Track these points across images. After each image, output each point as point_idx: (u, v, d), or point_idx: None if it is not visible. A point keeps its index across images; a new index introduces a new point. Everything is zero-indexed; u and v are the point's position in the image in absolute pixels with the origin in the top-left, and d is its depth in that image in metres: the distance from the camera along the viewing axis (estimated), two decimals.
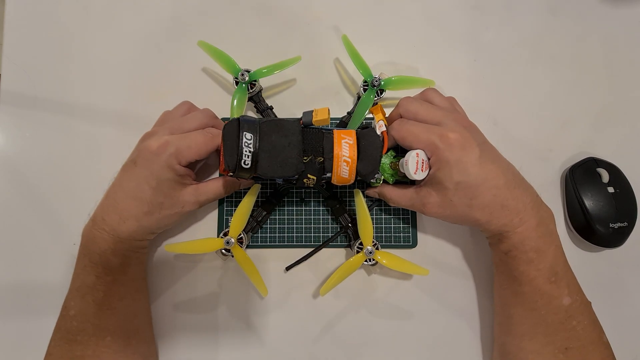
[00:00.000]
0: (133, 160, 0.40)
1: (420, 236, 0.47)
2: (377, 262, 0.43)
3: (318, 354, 0.45)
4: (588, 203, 0.45)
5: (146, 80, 0.50)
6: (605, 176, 0.45)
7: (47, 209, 0.47)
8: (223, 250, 0.43)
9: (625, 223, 0.44)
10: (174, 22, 0.52)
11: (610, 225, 0.44)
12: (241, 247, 0.43)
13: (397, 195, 0.42)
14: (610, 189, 0.45)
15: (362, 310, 0.46)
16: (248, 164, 0.36)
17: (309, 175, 0.38)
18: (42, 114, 0.49)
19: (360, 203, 0.42)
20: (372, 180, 0.41)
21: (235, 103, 0.45)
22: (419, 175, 0.38)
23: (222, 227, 0.47)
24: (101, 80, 0.50)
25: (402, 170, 0.40)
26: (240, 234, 0.43)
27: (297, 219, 0.47)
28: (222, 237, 0.42)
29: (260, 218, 0.45)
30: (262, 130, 0.37)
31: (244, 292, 0.46)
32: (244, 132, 0.36)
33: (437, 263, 0.46)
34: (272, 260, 0.47)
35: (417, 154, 0.38)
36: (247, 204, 0.42)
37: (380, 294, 0.46)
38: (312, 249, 0.46)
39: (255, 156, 0.36)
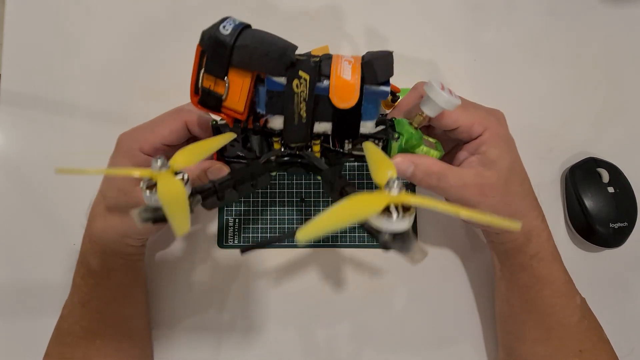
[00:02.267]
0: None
1: (420, 236, 0.47)
2: (406, 211, 0.22)
3: (312, 355, 0.45)
4: (588, 203, 0.45)
5: (146, 81, 0.50)
6: (605, 176, 0.45)
7: (47, 209, 0.47)
8: (147, 181, 0.26)
9: (625, 223, 0.44)
10: (174, 22, 0.52)
11: (610, 225, 0.44)
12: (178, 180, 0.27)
13: (447, 170, 0.32)
14: (610, 189, 0.45)
15: (361, 311, 0.46)
16: (228, 30, 0.28)
17: (300, 73, 0.29)
18: (42, 114, 0.49)
19: (371, 147, 0.30)
20: (393, 140, 0.31)
21: None
22: (454, 98, 0.29)
23: (223, 233, 0.46)
24: (101, 80, 0.50)
25: (425, 114, 0.30)
26: (184, 173, 0.27)
27: (293, 220, 0.47)
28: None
29: (222, 184, 0.30)
30: (247, 29, 0.29)
31: (237, 293, 0.46)
32: (225, 22, 0.29)
33: (437, 263, 0.46)
34: (269, 261, 0.46)
35: (430, 80, 0.30)
36: (210, 143, 0.31)
37: (377, 296, 0.46)
38: (307, 248, 0.46)
39: (236, 30, 0.28)
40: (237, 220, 0.47)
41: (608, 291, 0.46)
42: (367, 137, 0.31)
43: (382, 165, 0.26)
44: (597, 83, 0.50)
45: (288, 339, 0.45)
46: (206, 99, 0.29)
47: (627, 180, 0.46)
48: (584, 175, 0.46)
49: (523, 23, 0.51)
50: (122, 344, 0.40)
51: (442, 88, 0.29)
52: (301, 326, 0.46)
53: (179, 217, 0.25)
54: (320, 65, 0.29)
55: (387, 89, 0.29)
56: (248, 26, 0.30)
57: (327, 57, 0.30)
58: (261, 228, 0.47)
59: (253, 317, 0.46)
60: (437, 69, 0.50)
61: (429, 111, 0.29)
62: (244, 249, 0.32)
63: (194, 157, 0.29)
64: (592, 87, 0.50)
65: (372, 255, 0.46)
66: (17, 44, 0.51)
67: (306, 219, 0.47)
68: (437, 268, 0.46)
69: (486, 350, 0.45)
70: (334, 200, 0.30)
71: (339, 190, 0.30)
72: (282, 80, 0.29)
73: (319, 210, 0.47)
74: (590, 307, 0.40)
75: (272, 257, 0.47)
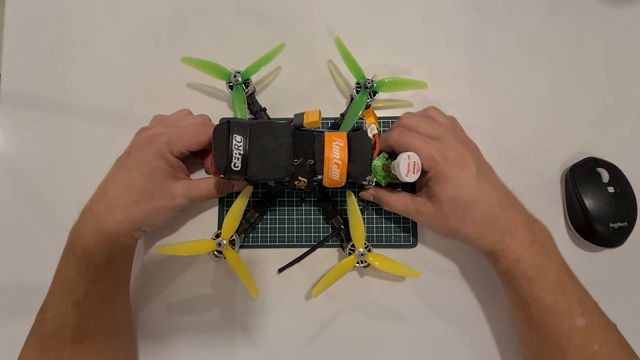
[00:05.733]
0: (127, 151, 0.41)
1: (420, 236, 0.47)
2: (369, 264, 0.43)
3: (311, 355, 0.45)
4: (588, 203, 0.45)
5: (145, 81, 0.50)
6: (605, 176, 0.45)
7: (46, 209, 0.47)
8: (215, 252, 0.43)
9: (625, 223, 0.44)
10: (173, 22, 0.52)
11: (610, 225, 0.44)
12: (233, 248, 0.43)
13: (393, 200, 0.42)
14: (610, 189, 0.45)
15: (354, 311, 0.46)
16: (238, 166, 0.36)
17: (300, 178, 0.39)
18: (42, 114, 0.49)
19: (352, 205, 0.42)
20: (364, 182, 0.42)
21: (237, 107, 0.45)
22: (411, 178, 0.38)
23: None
24: (101, 80, 0.50)
25: (393, 173, 0.40)
26: (232, 236, 0.43)
27: (293, 219, 0.47)
28: (214, 239, 0.42)
29: (253, 219, 0.45)
30: (253, 132, 0.37)
31: (238, 293, 0.46)
32: (234, 135, 0.36)
33: (436, 264, 0.46)
34: (266, 261, 0.47)
35: (409, 156, 0.38)
36: (239, 206, 0.42)
37: (373, 295, 0.46)
38: (307, 249, 0.46)
39: (245, 159, 0.36)
40: None
41: (608, 291, 0.45)
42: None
43: (358, 227, 0.42)
44: (597, 83, 0.50)
45: (281, 339, 0.45)
46: (224, 176, 0.38)
47: (627, 180, 0.46)
48: (584, 175, 0.45)
49: (523, 23, 0.51)
50: (110, 343, 0.40)
51: (408, 172, 0.38)
52: (295, 327, 0.46)
53: (246, 278, 0.42)
54: (314, 169, 0.39)
55: (365, 182, 0.42)
56: (250, 126, 0.38)
57: (320, 152, 0.38)
58: (261, 228, 0.47)
59: (247, 316, 0.46)
60: (437, 69, 0.50)
61: (396, 174, 0.39)
62: (281, 269, 0.46)
63: (234, 224, 0.42)
64: (592, 87, 0.50)
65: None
66: (17, 44, 0.51)
67: (306, 219, 0.47)
68: (436, 268, 0.46)
69: (486, 354, 0.45)
70: (322, 207, 0.47)
71: (324, 208, 0.46)
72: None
73: (313, 210, 0.47)
74: None
75: (267, 257, 0.47)
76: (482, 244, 0.39)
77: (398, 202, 0.42)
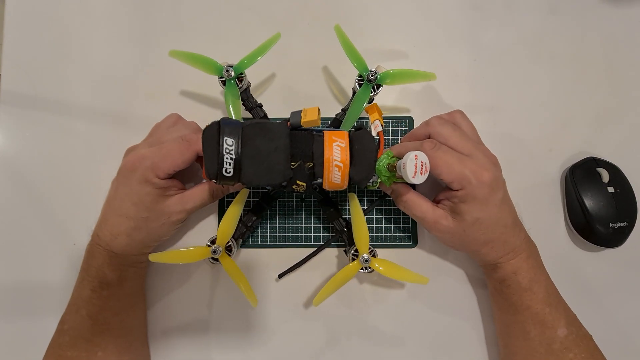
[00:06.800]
0: (116, 177, 0.41)
1: (420, 236, 0.47)
2: (373, 270, 0.41)
3: (314, 358, 0.45)
4: (588, 203, 0.45)
5: (145, 80, 0.50)
6: (605, 176, 0.45)
7: (46, 209, 0.47)
8: (211, 259, 0.40)
9: (625, 223, 0.44)
10: (174, 22, 0.52)
11: (610, 225, 0.44)
12: (230, 255, 0.41)
13: (412, 201, 0.41)
14: (610, 189, 0.45)
15: (355, 315, 0.46)
16: (230, 172, 0.34)
17: (298, 182, 0.36)
18: (42, 114, 0.49)
19: (356, 208, 0.41)
20: (368, 184, 0.39)
21: (230, 105, 0.43)
22: (418, 179, 0.35)
23: None
24: (101, 80, 0.50)
25: (399, 173, 0.37)
26: (228, 242, 0.41)
27: (293, 219, 0.46)
28: (209, 246, 0.40)
29: (250, 223, 0.43)
30: (246, 134, 0.34)
31: (238, 297, 0.46)
32: (225, 137, 0.34)
33: (435, 264, 0.46)
34: (265, 265, 0.46)
35: (416, 156, 0.35)
36: (234, 211, 0.40)
37: (376, 297, 0.46)
38: (307, 249, 0.46)
39: (237, 163, 0.34)
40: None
41: (608, 291, 0.46)
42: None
43: (361, 231, 0.40)
44: (597, 83, 0.50)
45: (284, 343, 0.45)
46: (217, 182, 0.36)
47: (627, 180, 0.46)
48: (584, 175, 0.45)
49: (523, 23, 0.51)
50: (124, 355, 0.41)
51: (415, 173, 0.35)
52: (297, 331, 0.46)
53: (244, 286, 0.40)
54: (314, 172, 0.36)
55: (369, 183, 0.39)
56: (242, 127, 0.35)
57: (320, 154, 0.36)
58: (261, 228, 0.47)
59: (247, 320, 0.46)
60: (437, 69, 0.50)
61: (402, 174, 0.36)
62: (281, 274, 0.45)
63: (230, 229, 0.40)
64: (592, 87, 0.50)
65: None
66: (17, 44, 0.51)
67: (306, 219, 0.46)
68: (437, 267, 0.46)
69: (491, 353, 0.45)
70: (323, 210, 0.45)
71: (325, 210, 0.44)
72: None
73: (315, 210, 0.47)
74: (589, 307, 0.40)
75: (267, 257, 0.47)
76: (488, 258, 0.40)
77: (417, 205, 0.40)
